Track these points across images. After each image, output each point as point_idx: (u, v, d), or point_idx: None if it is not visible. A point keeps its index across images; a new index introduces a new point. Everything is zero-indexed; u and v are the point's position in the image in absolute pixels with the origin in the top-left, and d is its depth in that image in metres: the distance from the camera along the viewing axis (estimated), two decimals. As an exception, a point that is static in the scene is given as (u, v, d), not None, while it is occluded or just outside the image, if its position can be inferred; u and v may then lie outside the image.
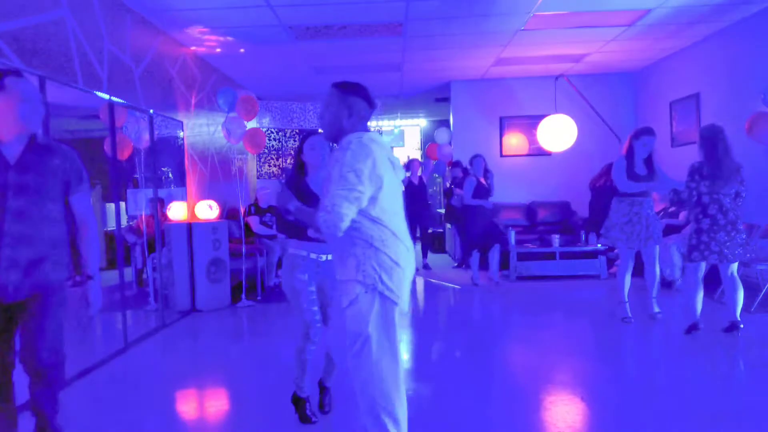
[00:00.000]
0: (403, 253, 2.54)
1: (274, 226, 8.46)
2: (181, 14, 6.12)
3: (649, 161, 5.49)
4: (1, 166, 2.64)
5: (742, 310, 5.08)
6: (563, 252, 8.18)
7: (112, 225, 6.20)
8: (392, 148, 2.62)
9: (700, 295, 4.97)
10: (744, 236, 4.89)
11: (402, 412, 2.54)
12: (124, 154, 5.65)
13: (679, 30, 7.34)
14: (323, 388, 3.62)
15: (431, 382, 4.26)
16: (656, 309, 5.66)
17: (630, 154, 5.49)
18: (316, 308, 3.40)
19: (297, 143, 10.88)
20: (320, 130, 2.91)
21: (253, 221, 7.93)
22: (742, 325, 4.92)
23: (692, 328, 4.99)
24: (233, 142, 7.16)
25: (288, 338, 5.69)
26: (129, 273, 6.63)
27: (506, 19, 6.69)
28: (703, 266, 4.95)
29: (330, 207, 2.40)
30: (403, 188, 2.72)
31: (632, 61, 9.16)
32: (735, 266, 4.94)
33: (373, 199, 2.48)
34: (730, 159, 4.82)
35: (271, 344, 5.50)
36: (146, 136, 5.91)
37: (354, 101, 2.61)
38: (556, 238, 8.25)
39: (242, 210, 7.65)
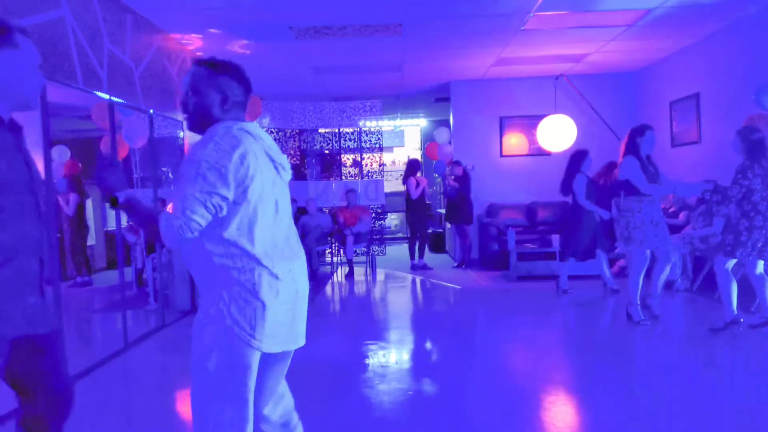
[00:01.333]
0: (265, 282, 2.01)
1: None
2: (181, 14, 6.12)
3: (649, 158, 5.49)
4: (25, 154, 2.08)
5: (742, 310, 5.09)
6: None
7: (112, 225, 6.19)
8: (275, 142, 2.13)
9: (735, 288, 4.97)
10: None
11: None
12: (120, 155, 5.63)
13: (679, 30, 7.34)
14: None
15: (431, 382, 4.26)
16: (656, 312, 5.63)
17: (636, 152, 5.47)
18: None
19: (297, 143, 10.90)
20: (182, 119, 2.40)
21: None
22: None
23: (732, 323, 4.95)
24: None
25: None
26: (129, 273, 6.63)
27: (506, 19, 6.68)
28: (732, 262, 4.96)
29: (180, 211, 1.92)
30: (287, 193, 2.21)
31: (632, 61, 9.16)
32: (762, 264, 4.99)
33: (235, 207, 1.99)
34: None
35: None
36: (142, 136, 5.89)
37: (226, 83, 2.12)
38: (556, 238, 8.24)
39: None
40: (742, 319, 4.92)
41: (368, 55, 8.14)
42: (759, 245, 4.85)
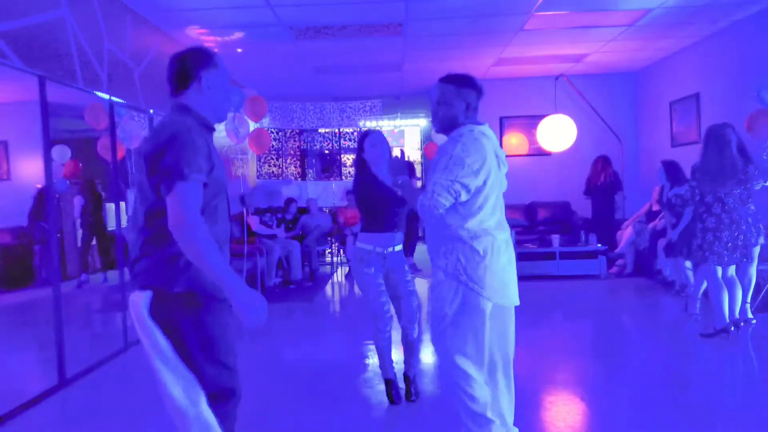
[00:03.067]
0: (489, 245, 2.64)
1: (274, 226, 8.47)
2: (181, 14, 6.12)
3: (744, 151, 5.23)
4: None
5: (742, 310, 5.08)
6: (563, 252, 8.17)
7: (112, 225, 6.19)
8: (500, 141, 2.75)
9: (725, 295, 4.84)
10: (746, 238, 4.78)
11: (482, 392, 2.73)
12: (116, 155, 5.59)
13: (679, 30, 7.34)
14: (407, 378, 3.79)
15: (431, 382, 4.25)
16: (749, 315, 5.34)
17: None
18: (384, 299, 3.59)
19: (297, 143, 10.90)
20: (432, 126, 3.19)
21: (253, 221, 7.94)
22: (743, 323, 4.91)
23: (722, 331, 4.83)
24: (238, 142, 7.17)
25: (288, 338, 5.69)
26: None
27: (506, 19, 6.68)
28: (719, 267, 4.85)
29: (430, 194, 2.55)
30: (503, 181, 2.79)
31: (632, 61, 9.16)
32: (733, 268, 4.90)
33: (476, 194, 2.60)
34: (727, 158, 4.71)
35: (271, 344, 5.49)
36: (137, 136, 5.86)
37: (467, 93, 2.68)
38: (556, 238, 8.24)
39: (245, 211, 7.67)
40: (733, 327, 4.85)
41: (368, 55, 8.14)
42: (718, 249, 4.72)
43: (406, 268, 3.70)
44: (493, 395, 2.81)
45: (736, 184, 4.71)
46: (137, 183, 2.19)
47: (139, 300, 2.05)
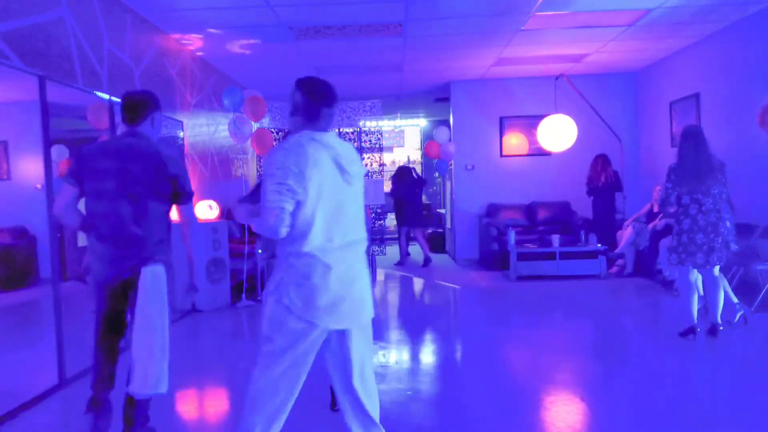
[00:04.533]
0: (315, 265, 2.34)
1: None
2: (181, 14, 6.12)
3: None
4: None
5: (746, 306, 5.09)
6: (563, 252, 8.18)
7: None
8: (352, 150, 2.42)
9: (695, 297, 4.86)
10: (724, 239, 4.75)
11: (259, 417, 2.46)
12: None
13: (679, 30, 7.34)
14: (332, 390, 3.60)
15: (431, 382, 4.25)
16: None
17: None
18: None
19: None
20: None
21: (253, 221, 7.92)
22: (721, 327, 4.89)
23: (688, 332, 4.88)
24: (240, 142, 7.16)
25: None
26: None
27: (506, 19, 6.68)
28: (692, 268, 4.84)
29: (264, 205, 2.31)
30: (357, 193, 2.52)
31: (632, 61, 9.16)
32: (717, 268, 4.87)
33: (299, 205, 2.30)
34: (703, 158, 4.70)
35: (271, 344, 5.49)
36: None
37: (296, 97, 2.50)
38: (556, 238, 8.25)
39: None
40: (699, 329, 4.85)
41: (368, 55, 8.14)
42: (692, 250, 4.69)
43: None
44: (354, 404, 2.55)
45: (714, 183, 4.69)
46: (141, 185, 3.06)
47: (161, 270, 3.12)
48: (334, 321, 2.40)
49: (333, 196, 2.37)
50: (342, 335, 2.49)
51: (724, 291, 5.08)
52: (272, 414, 2.45)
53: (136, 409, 3.05)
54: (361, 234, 2.51)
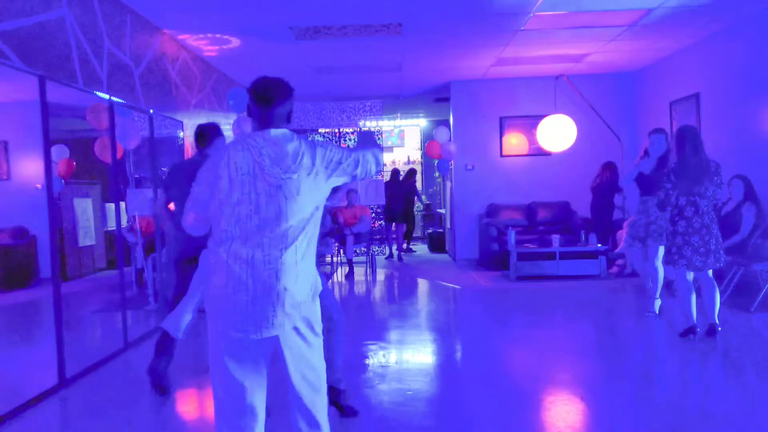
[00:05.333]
0: (219, 267, 2.25)
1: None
2: (180, 14, 6.12)
3: (664, 161, 5.46)
4: None
5: (741, 310, 5.08)
6: (563, 252, 8.18)
7: (112, 225, 6.19)
8: (293, 143, 2.44)
9: (693, 298, 4.87)
10: (717, 240, 4.77)
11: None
12: (109, 156, 5.57)
13: (679, 30, 7.34)
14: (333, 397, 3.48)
15: (431, 382, 4.25)
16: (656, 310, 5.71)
17: (646, 154, 5.55)
18: None
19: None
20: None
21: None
22: (719, 328, 4.89)
23: (688, 332, 4.88)
24: None
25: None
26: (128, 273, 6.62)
27: (506, 19, 6.68)
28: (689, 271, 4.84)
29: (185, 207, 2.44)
30: (289, 190, 2.28)
31: (632, 61, 9.16)
32: (710, 271, 4.88)
33: (210, 202, 2.33)
34: (702, 159, 4.72)
35: (271, 344, 5.49)
36: (135, 137, 5.85)
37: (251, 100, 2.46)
38: (556, 238, 8.25)
39: None
40: (698, 329, 4.85)
41: (368, 55, 8.14)
42: (687, 253, 4.70)
43: None
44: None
45: (710, 184, 4.71)
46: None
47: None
48: (235, 328, 2.27)
49: (243, 193, 2.26)
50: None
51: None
52: None
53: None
54: (281, 234, 2.26)
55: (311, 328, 2.34)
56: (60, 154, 5.73)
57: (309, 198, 2.29)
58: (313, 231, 2.34)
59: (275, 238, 2.24)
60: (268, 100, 2.36)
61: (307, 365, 2.37)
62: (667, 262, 4.91)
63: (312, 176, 2.30)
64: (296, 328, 2.30)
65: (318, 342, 2.39)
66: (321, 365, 2.43)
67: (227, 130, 8.52)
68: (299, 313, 2.27)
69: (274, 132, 2.36)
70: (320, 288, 2.41)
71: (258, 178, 2.27)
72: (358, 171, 2.44)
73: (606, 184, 8.67)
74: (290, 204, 2.26)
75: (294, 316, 2.26)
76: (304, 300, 2.28)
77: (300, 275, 2.26)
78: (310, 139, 2.60)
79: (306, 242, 2.30)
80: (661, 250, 5.50)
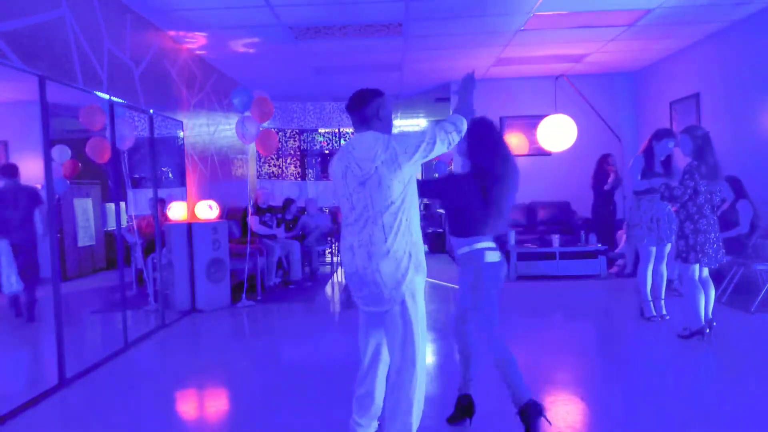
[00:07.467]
0: (342, 248, 2.88)
1: (274, 226, 8.47)
2: (181, 14, 6.12)
3: (667, 163, 5.48)
4: None
5: (741, 310, 5.08)
6: (563, 252, 8.18)
7: (112, 225, 6.19)
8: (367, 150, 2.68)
9: (702, 297, 4.88)
10: (718, 236, 4.88)
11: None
12: (103, 157, 5.57)
13: (679, 30, 7.35)
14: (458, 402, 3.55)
15: (431, 382, 4.25)
16: (663, 311, 5.65)
17: (649, 154, 5.50)
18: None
19: (297, 143, 10.94)
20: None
21: (253, 221, 7.93)
22: (715, 323, 4.92)
23: (699, 332, 4.87)
24: (246, 143, 7.17)
25: (288, 338, 5.69)
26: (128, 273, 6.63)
27: (506, 19, 6.69)
28: (697, 267, 4.88)
29: None
30: (371, 187, 2.71)
31: (632, 61, 9.16)
32: (707, 269, 4.95)
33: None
34: (716, 159, 4.82)
35: (271, 344, 5.50)
36: (130, 137, 5.83)
37: None
38: (556, 238, 8.24)
39: (249, 211, 7.68)
40: (708, 330, 4.87)
41: (368, 55, 8.14)
42: (708, 250, 4.74)
43: None
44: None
45: (723, 182, 4.87)
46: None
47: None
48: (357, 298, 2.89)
49: (344, 193, 2.81)
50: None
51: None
52: None
53: None
54: (368, 223, 2.74)
55: (413, 297, 2.78)
56: (62, 154, 5.74)
57: (395, 183, 2.69)
58: (409, 206, 2.76)
59: (368, 224, 2.73)
60: (351, 108, 2.82)
61: (401, 335, 2.81)
62: (685, 260, 4.91)
63: (393, 167, 2.69)
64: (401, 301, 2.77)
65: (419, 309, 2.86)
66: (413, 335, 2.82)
67: (228, 130, 8.52)
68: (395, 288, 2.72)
69: (361, 134, 2.80)
70: (422, 261, 2.82)
71: (347, 178, 2.76)
72: (437, 148, 2.76)
73: (600, 176, 8.65)
74: (375, 195, 2.69)
75: (389, 291, 2.73)
76: (398, 275, 2.71)
77: (391, 254, 2.69)
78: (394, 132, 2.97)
79: (400, 221, 2.72)
80: (667, 248, 5.58)
